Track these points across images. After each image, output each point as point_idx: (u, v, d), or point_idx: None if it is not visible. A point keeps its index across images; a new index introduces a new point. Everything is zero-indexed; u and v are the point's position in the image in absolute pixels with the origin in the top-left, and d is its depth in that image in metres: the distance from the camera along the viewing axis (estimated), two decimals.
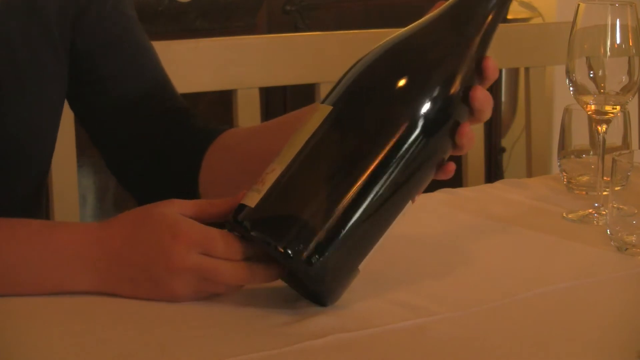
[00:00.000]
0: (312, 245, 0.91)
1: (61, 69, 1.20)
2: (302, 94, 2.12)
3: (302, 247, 0.91)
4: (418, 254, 1.15)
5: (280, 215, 0.92)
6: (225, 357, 0.87)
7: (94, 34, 1.22)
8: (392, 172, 0.93)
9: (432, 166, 0.97)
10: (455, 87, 0.96)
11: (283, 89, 2.85)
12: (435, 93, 0.95)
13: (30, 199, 1.22)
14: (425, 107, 0.94)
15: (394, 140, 0.93)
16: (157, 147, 1.24)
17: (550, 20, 3.14)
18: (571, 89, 1.26)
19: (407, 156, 0.94)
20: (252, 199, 0.93)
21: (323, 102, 0.96)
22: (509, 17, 3.10)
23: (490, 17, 0.98)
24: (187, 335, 0.91)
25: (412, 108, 0.94)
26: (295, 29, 2.76)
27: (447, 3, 0.98)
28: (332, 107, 0.94)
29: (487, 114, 0.97)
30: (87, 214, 2.62)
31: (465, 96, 0.96)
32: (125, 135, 1.25)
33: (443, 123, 0.95)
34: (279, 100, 2.92)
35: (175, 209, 0.96)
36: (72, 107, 1.28)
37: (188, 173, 1.22)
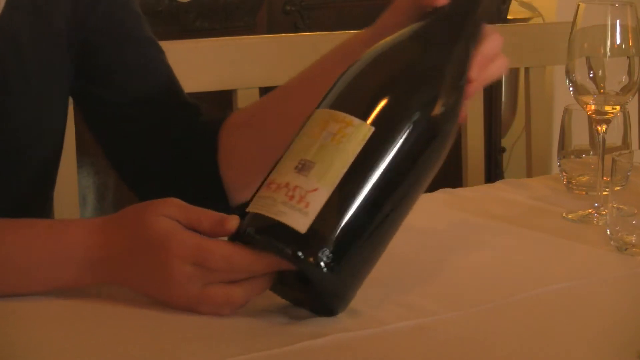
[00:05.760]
0: (351, 264, 0.92)
1: (66, 68, 1.21)
2: None
3: (336, 264, 0.90)
4: (418, 253, 1.15)
5: (333, 241, 0.90)
6: (225, 357, 0.87)
7: (105, 29, 1.22)
8: (419, 184, 0.96)
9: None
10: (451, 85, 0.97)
11: None
12: (448, 101, 0.96)
13: (35, 198, 1.23)
14: (447, 113, 0.95)
15: (427, 156, 0.95)
16: (169, 143, 1.24)
17: (550, 20, 3.14)
18: (571, 89, 1.26)
19: (432, 166, 0.96)
20: (298, 221, 0.90)
21: (320, 107, 0.95)
22: (509, 17, 3.10)
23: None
24: (188, 335, 0.91)
25: (439, 118, 0.95)
26: (295, 29, 2.76)
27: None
28: (374, 129, 0.92)
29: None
30: (87, 214, 2.62)
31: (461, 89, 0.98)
32: (133, 131, 1.24)
33: (454, 121, 0.97)
34: None
35: (166, 214, 0.95)
36: (78, 104, 1.28)
37: (206, 161, 1.22)
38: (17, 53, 1.15)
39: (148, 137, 1.24)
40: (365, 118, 0.92)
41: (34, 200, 1.22)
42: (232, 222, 0.93)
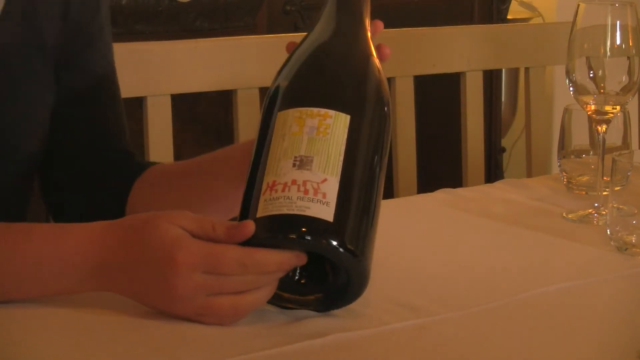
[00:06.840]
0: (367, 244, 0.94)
1: (51, 76, 1.22)
2: None
3: (360, 249, 0.92)
4: (418, 254, 1.15)
5: (358, 225, 0.93)
6: (225, 357, 0.87)
7: (81, 56, 1.24)
8: (387, 152, 1.01)
9: None
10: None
11: None
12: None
13: (16, 198, 1.24)
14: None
15: (388, 125, 1.01)
16: (90, 177, 1.25)
17: (550, 20, 3.14)
18: (571, 89, 1.26)
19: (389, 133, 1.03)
20: (324, 212, 0.91)
21: (283, 109, 0.97)
22: (509, 17, 3.10)
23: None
24: (187, 335, 0.91)
25: (387, 92, 1.02)
26: (295, 29, 2.76)
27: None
28: (350, 116, 0.96)
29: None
30: None
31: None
32: (63, 156, 1.26)
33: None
34: None
35: (178, 223, 0.94)
36: None
37: (116, 204, 1.24)
38: (6, 61, 1.17)
39: (74, 166, 1.26)
40: (337, 108, 0.96)
41: (16, 195, 1.23)
42: (249, 225, 0.92)
